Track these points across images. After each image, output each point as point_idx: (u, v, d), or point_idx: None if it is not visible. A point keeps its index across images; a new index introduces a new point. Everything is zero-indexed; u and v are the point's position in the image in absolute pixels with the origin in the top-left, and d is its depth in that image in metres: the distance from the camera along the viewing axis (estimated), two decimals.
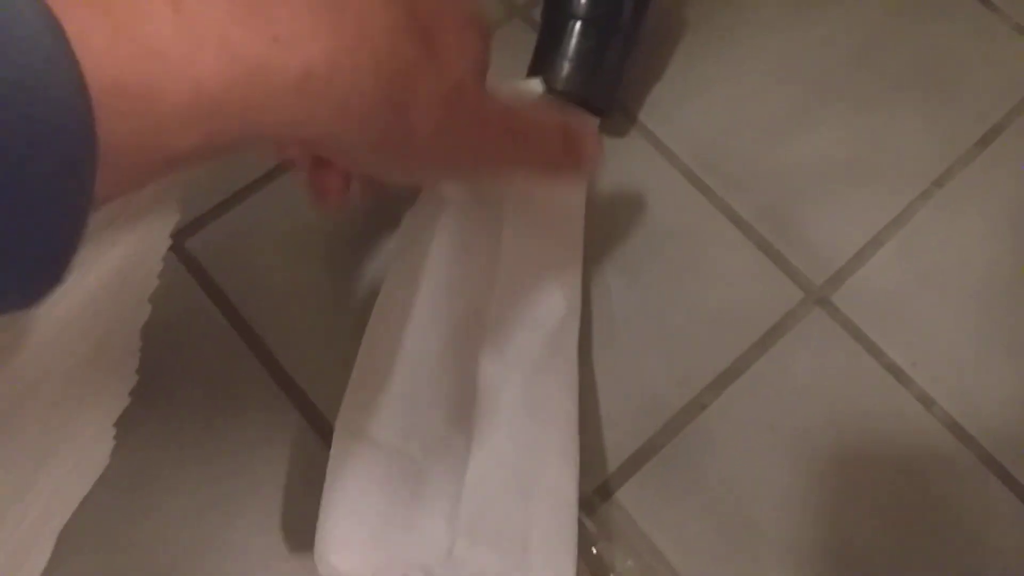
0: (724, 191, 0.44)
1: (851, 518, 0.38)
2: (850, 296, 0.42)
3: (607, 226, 0.43)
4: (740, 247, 0.43)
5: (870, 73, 0.48)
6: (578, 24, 0.41)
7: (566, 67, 0.41)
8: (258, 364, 0.40)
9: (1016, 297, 0.43)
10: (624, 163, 0.45)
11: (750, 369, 0.41)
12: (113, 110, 0.17)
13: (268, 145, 0.24)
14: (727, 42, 0.48)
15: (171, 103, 0.19)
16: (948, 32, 0.50)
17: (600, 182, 0.44)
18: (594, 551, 0.36)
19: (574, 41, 0.41)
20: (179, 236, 0.41)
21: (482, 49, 0.27)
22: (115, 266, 0.30)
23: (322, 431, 0.38)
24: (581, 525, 0.34)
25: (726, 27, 0.48)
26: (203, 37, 0.19)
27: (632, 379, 0.40)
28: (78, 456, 0.31)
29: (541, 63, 0.42)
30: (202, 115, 0.19)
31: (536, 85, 0.39)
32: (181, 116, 0.19)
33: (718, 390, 0.40)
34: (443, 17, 0.25)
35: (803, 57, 0.48)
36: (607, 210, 0.43)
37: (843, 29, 0.49)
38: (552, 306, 0.36)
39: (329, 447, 0.35)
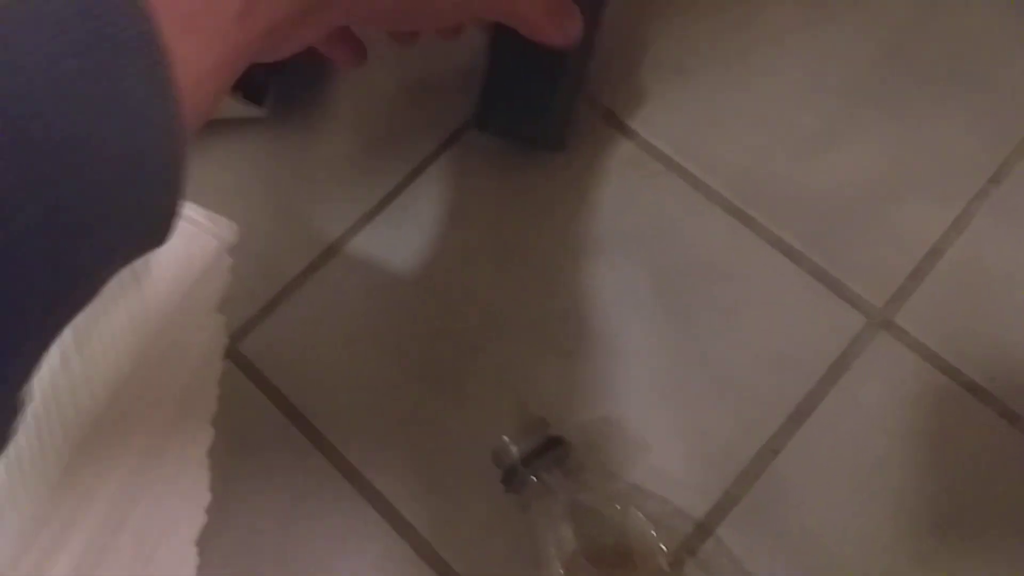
0: (769, 221, 0.43)
1: (944, 550, 0.37)
2: (915, 315, 0.41)
3: (653, 273, 0.42)
4: (793, 278, 0.42)
5: (900, 75, 0.46)
6: (522, 68, 0.41)
7: (513, 108, 0.41)
8: (324, 461, 0.40)
9: None
10: (661, 204, 0.44)
11: (820, 406, 0.39)
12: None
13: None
14: (746, 65, 0.47)
15: None
16: (977, 20, 0.47)
17: (640, 230, 0.43)
18: None
19: (518, 85, 0.41)
20: (232, 340, 0.42)
21: None
22: (173, 402, 0.31)
23: (394, 522, 0.38)
24: None
25: (742, 51, 0.47)
26: None
27: (698, 432, 0.39)
28: None
29: (488, 105, 0.42)
30: None
31: None
32: None
33: (789, 432, 0.39)
34: None
35: (827, 69, 0.46)
36: (651, 256, 0.43)
37: (865, 34, 0.47)
38: None
39: (404, 538, 0.35)
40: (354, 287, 0.43)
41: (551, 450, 0.36)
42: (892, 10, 0.48)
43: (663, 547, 0.35)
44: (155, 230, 0.20)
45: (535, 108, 0.41)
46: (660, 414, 0.39)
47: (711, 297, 0.42)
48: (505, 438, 0.36)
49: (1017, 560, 0.36)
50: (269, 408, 0.41)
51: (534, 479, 0.35)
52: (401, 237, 0.44)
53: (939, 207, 0.43)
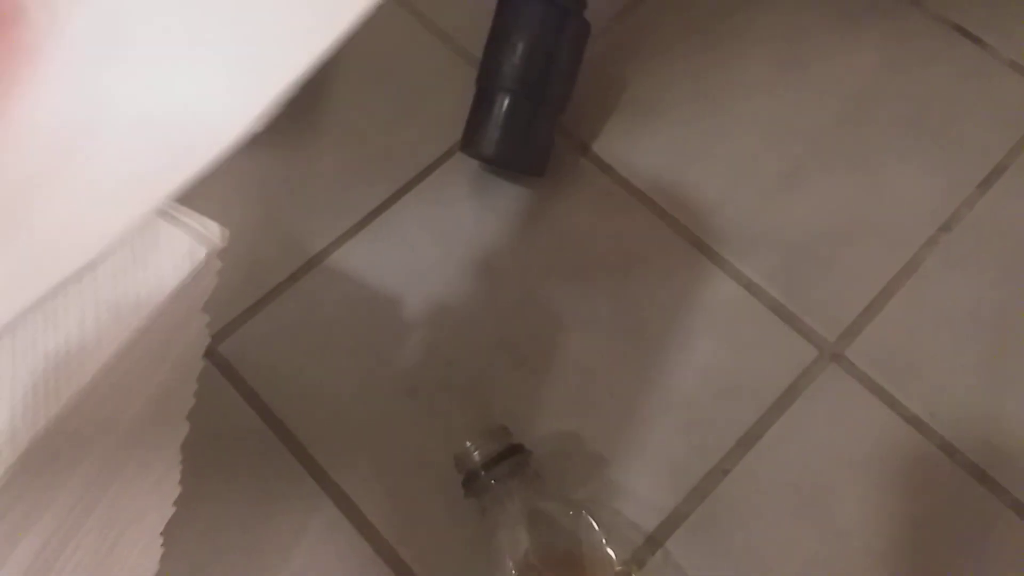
0: (731, 255, 0.45)
1: (880, 574, 0.38)
2: (864, 350, 0.43)
3: (619, 299, 0.44)
4: (751, 310, 0.44)
5: (863, 125, 0.49)
6: (508, 96, 0.43)
7: (497, 135, 0.44)
8: (293, 460, 0.41)
9: None
10: (630, 235, 0.46)
11: (769, 431, 0.41)
12: None
13: None
14: (718, 108, 0.50)
15: None
16: (941, 75, 0.50)
17: (610, 256, 0.45)
18: None
19: (504, 111, 0.43)
20: (212, 341, 0.43)
21: None
22: (152, 394, 0.32)
23: (356, 521, 0.40)
24: None
25: (716, 94, 0.50)
26: None
27: (653, 450, 0.41)
28: (128, 573, 0.33)
29: (473, 132, 0.44)
30: None
31: None
32: None
33: (739, 455, 0.41)
34: None
35: (796, 116, 0.49)
36: (617, 282, 0.45)
37: (833, 85, 0.50)
38: None
39: (364, 537, 0.37)
40: (333, 297, 0.45)
41: (511, 457, 0.38)
42: (859, 65, 0.51)
43: (613, 555, 0.37)
44: None
45: (518, 136, 0.44)
46: (618, 431, 0.41)
47: (673, 324, 0.44)
48: (467, 443, 0.38)
49: None
50: (243, 407, 0.42)
51: (493, 483, 0.37)
52: (382, 252, 0.46)
53: (892, 251, 0.45)
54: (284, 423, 0.42)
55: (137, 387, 0.31)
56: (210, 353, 0.43)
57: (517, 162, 0.45)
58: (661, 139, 0.49)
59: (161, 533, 0.36)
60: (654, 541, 0.39)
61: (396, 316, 0.45)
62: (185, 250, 0.38)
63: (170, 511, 0.36)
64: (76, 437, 0.30)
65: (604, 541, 0.37)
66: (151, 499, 0.34)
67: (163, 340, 0.30)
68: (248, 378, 0.43)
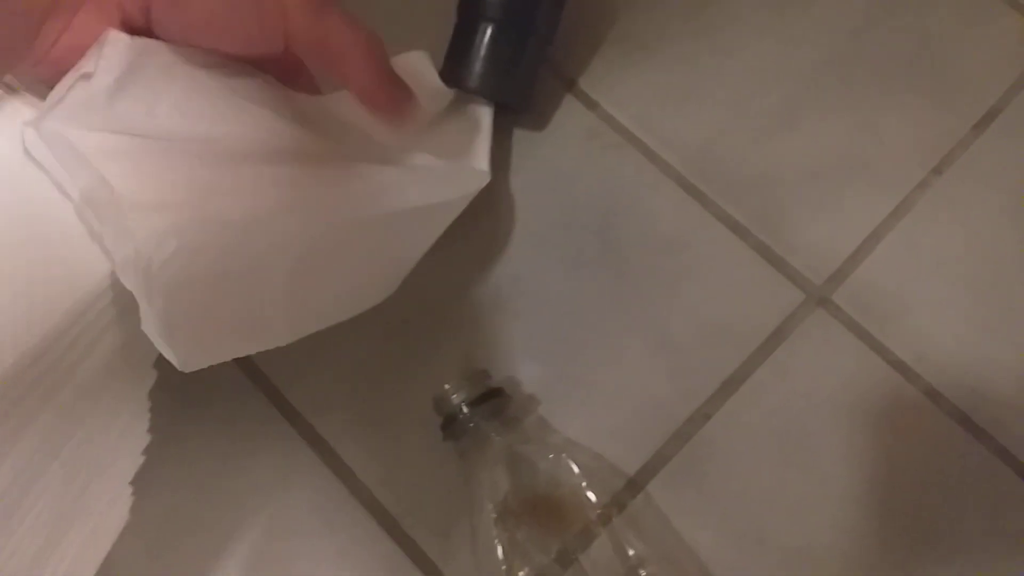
0: (718, 197, 0.44)
1: (863, 521, 0.38)
2: (851, 294, 0.42)
3: (604, 238, 0.43)
4: (738, 252, 0.43)
5: (857, 66, 0.47)
6: (491, 26, 0.41)
7: (479, 67, 0.42)
8: (266, 402, 0.40)
9: (1021, 283, 0.42)
10: (617, 174, 0.45)
11: (753, 376, 0.41)
12: None
13: None
14: (710, 44, 0.48)
15: None
16: (936, 14, 0.49)
17: (594, 196, 0.44)
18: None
19: (487, 42, 0.42)
20: None
21: None
22: (112, 344, 0.31)
23: (333, 465, 0.39)
24: None
25: (707, 30, 0.48)
26: None
27: (636, 392, 0.40)
28: (96, 521, 0.32)
29: (454, 63, 0.42)
30: None
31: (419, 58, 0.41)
32: None
33: (722, 399, 0.40)
34: None
35: (788, 55, 0.47)
36: (603, 222, 0.43)
37: (826, 24, 0.48)
38: None
39: (341, 480, 0.36)
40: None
41: (491, 400, 0.37)
42: (852, 6, 0.49)
43: (593, 499, 0.36)
44: None
45: (502, 67, 0.42)
46: (600, 373, 0.41)
47: (657, 265, 0.43)
48: (446, 386, 0.37)
49: (938, 533, 0.38)
50: None
51: (472, 426, 0.36)
52: None
53: (882, 193, 0.44)
54: (257, 366, 0.41)
55: (96, 338, 0.30)
56: None
57: (502, 94, 0.43)
58: (651, 76, 0.47)
59: (130, 482, 0.35)
60: (635, 484, 0.39)
61: None
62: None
63: (139, 460, 0.35)
64: (34, 387, 0.28)
65: (584, 484, 0.36)
66: (118, 448, 0.33)
67: (127, 292, 0.28)
68: None
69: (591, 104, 0.46)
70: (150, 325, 0.29)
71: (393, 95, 0.36)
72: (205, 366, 0.31)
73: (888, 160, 0.45)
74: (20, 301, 0.28)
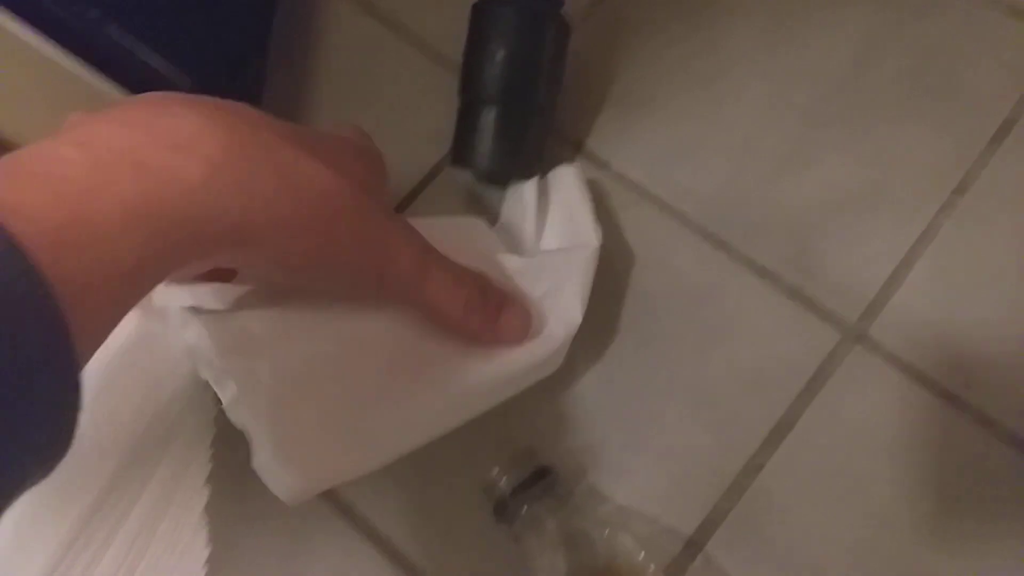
0: (741, 243, 0.44)
1: (925, 558, 0.37)
2: (888, 327, 0.42)
3: (630, 301, 0.43)
4: (768, 298, 0.43)
5: (863, 91, 0.47)
6: (494, 108, 0.42)
7: (487, 148, 0.42)
8: (320, 499, 0.41)
9: None
10: (635, 232, 0.45)
11: (800, 420, 0.40)
12: (61, 260, 0.20)
13: (199, 255, 0.26)
14: (713, 91, 0.48)
15: (106, 227, 0.22)
16: (939, 30, 0.49)
17: (616, 257, 0.44)
18: None
19: (492, 124, 0.42)
20: None
21: (366, 171, 0.31)
22: (173, 463, 0.32)
23: (391, 556, 0.39)
24: None
25: (709, 77, 0.48)
26: (113, 163, 0.23)
27: (683, 451, 0.40)
28: None
29: (463, 146, 0.43)
30: (136, 226, 0.22)
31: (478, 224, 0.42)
32: (119, 234, 0.22)
33: (772, 448, 0.40)
34: (328, 140, 0.30)
35: (790, 89, 0.48)
36: (627, 284, 0.44)
37: (828, 53, 0.48)
38: None
39: (396, 567, 0.37)
40: None
41: (540, 479, 0.37)
42: (853, 28, 0.49)
43: (652, 567, 0.36)
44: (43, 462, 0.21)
45: (509, 146, 0.43)
46: (644, 437, 0.40)
47: (688, 320, 0.43)
48: (495, 470, 0.37)
49: (999, 565, 0.37)
50: None
51: (524, 509, 0.36)
52: None
53: (907, 220, 0.44)
54: None
55: (157, 461, 0.31)
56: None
57: (512, 173, 0.44)
58: (657, 131, 0.47)
59: None
60: (694, 545, 0.38)
61: None
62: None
63: (201, 573, 0.35)
64: (104, 521, 0.29)
65: (642, 554, 0.36)
66: (181, 566, 0.34)
67: (176, 419, 0.30)
68: None
69: (601, 164, 0.47)
70: (261, 458, 0.30)
71: (498, 332, 0.35)
72: (312, 496, 0.32)
73: (908, 186, 0.45)
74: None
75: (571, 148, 0.47)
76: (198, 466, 0.30)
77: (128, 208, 0.22)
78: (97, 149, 0.23)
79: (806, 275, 0.43)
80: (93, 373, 0.24)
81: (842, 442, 0.40)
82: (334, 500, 0.41)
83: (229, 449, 0.41)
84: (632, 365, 0.42)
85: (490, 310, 0.35)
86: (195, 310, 0.30)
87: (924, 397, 0.40)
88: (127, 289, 0.23)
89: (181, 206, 0.24)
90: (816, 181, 0.45)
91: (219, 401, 0.41)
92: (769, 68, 0.48)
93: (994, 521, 0.38)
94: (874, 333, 0.42)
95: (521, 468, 0.37)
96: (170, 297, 0.31)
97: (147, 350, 0.32)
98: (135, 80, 0.39)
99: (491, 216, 0.46)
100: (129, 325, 0.32)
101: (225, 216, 0.25)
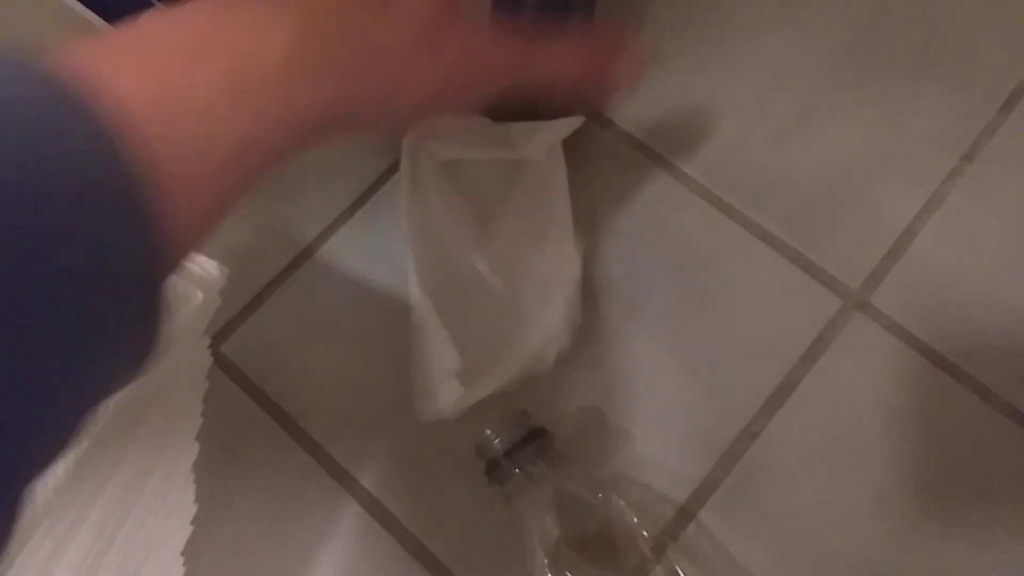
0: (746, 207, 0.43)
1: (920, 530, 0.37)
2: (890, 295, 0.41)
3: (630, 261, 0.42)
4: (770, 263, 0.42)
5: (872, 56, 0.46)
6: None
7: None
8: (309, 459, 0.40)
9: None
10: (637, 193, 0.44)
11: (798, 388, 0.40)
12: (155, 141, 0.18)
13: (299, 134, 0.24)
14: (721, 53, 0.47)
15: (207, 101, 0.20)
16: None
17: (615, 217, 0.43)
18: None
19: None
20: (214, 342, 0.42)
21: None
22: (164, 417, 0.31)
23: (380, 516, 0.39)
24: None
25: (717, 38, 0.47)
26: (199, 41, 0.21)
27: (679, 418, 0.40)
28: None
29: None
30: (238, 102, 0.21)
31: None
32: (218, 114, 0.20)
33: (768, 415, 0.39)
34: None
35: (799, 54, 0.46)
36: (628, 244, 0.43)
37: (836, 18, 0.47)
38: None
39: (386, 530, 0.37)
40: (334, 285, 0.43)
41: (533, 441, 0.36)
42: None
43: (644, 533, 0.36)
44: (134, 358, 0.20)
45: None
46: (640, 402, 0.40)
47: (688, 284, 0.42)
48: (488, 431, 0.37)
49: (995, 536, 0.37)
50: (252, 408, 0.41)
51: (517, 471, 0.36)
52: (380, 234, 0.44)
53: (912, 187, 0.43)
54: (296, 421, 0.41)
55: (147, 417, 0.30)
56: (213, 354, 0.41)
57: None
58: (661, 90, 0.46)
59: (181, 553, 0.36)
60: (687, 513, 0.38)
61: (402, 299, 0.43)
62: (187, 293, 0.36)
63: (188, 530, 0.35)
64: (91, 475, 0.29)
65: (635, 519, 0.36)
66: (168, 525, 0.33)
67: (169, 370, 0.29)
68: (254, 377, 0.41)
69: (605, 123, 0.46)
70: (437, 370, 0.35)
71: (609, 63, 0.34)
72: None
73: (915, 152, 0.44)
74: None
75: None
76: (189, 420, 0.29)
77: (227, 82, 0.21)
78: (178, 32, 0.21)
79: (808, 240, 0.42)
80: None
81: (839, 411, 0.39)
82: (323, 458, 0.40)
83: (218, 404, 0.41)
84: (629, 328, 0.41)
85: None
86: None
87: (923, 367, 0.40)
88: (229, 178, 0.21)
89: (278, 78, 0.22)
90: (823, 146, 0.44)
91: (213, 356, 0.41)
92: (778, 32, 0.47)
93: (990, 491, 0.38)
94: (875, 301, 0.41)
95: (514, 429, 0.36)
96: None
97: None
98: None
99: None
100: None
101: (321, 84, 0.23)
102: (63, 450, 0.18)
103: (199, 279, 0.36)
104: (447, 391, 0.36)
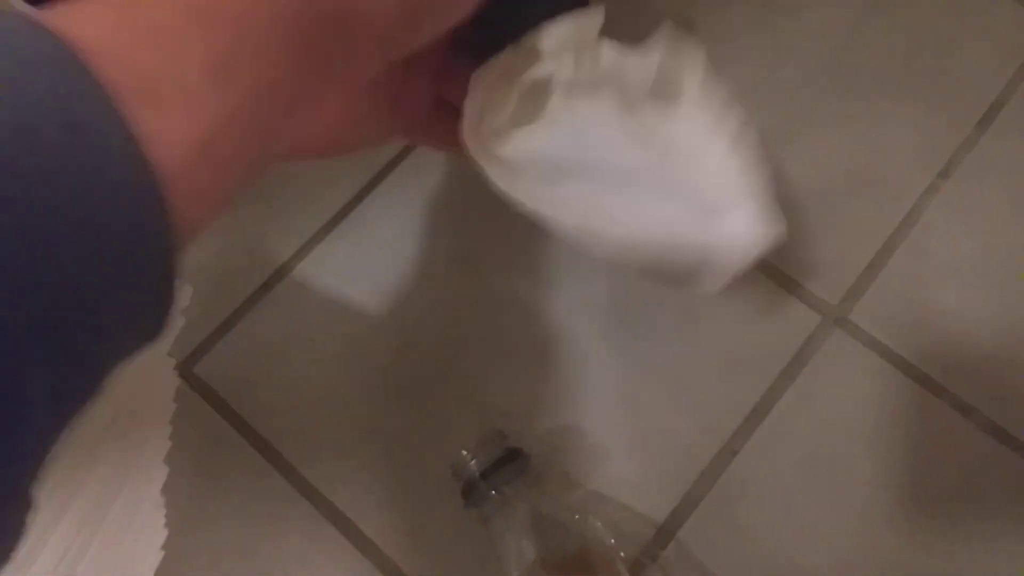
0: None
1: (899, 544, 0.37)
2: (869, 311, 0.41)
3: (608, 280, 0.42)
4: (750, 280, 0.42)
5: (852, 72, 0.46)
6: None
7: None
8: (282, 481, 0.39)
9: None
10: None
11: (777, 405, 0.40)
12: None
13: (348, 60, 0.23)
14: None
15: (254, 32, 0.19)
16: (927, 12, 0.47)
17: None
18: None
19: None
20: (187, 363, 0.41)
21: None
22: (130, 439, 0.31)
23: (356, 540, 0.38)
24: None
25: None
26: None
27: (657, 437, 0.39)
28: None
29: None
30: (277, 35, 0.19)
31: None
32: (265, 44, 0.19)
33: (747, 433, 0.39)
34: None
35: (777, 70, 0.46)
36: (605, 265, 0.42)
37: (817, 32, 0.47)
38: None
39: (363, 554, 0.36)
40: (309, 305, 0.43)
41: (510, 462, 0.36)
42: (843, 8, 0.48)
43: (622, 554, 0.35)
44: (150, 319, 0.18)
45: None
46: (618, 420, 0.39)
47: (665, 302, 0.42)
48: (464, 452, 0.36)
49: (975, 550, 0.37)
50: (226, 430, 0.40)
51: (493, 492, 0.35)
52: (357, 252, 0.44)
53: (890, 203, 0.43)
54: (271, 443, 0.40)
55: (113, 438, 0.29)
56: (185, 375, 0.41)
57: None
58: None
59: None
60: (666, 532, 0.38)
61: (378, 318, 0.42)
62: None
63: (159, 556, 0.34)
64: (58, 492, 0.28)
65: (613, 540, 0.35)
66: (138, 548, 0.32)
67: (134, 393, 0.28)
68: (227, 398, 0.41)
69: None
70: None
71: None
72: None
73: (892, 168, 0.44)
74: None
75: None
76: (156, 444, 0.29)
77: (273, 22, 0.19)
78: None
79: (786, 256, 0.42)
80: None
81: (819, 428, 0.39)
82: (298, 482, 0.39)
83: (190, 426, 0.40)
84: (607, 347, 0.41)
85: None
86: None
87: (902, 382, 0.40)
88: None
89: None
90: (801, 160, 0.44)
91: (181, 376, 0.40)
92: (756, 46, 0.47)
93: (969, 507, 0.37)
94: (854, 317, 0.41)
95: (491, 450, 0.36)
96: None
97: None
98: None
99: (471, 192, 0.45)
100: None
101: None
102: (70, 427, 0.17)
103: None
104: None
